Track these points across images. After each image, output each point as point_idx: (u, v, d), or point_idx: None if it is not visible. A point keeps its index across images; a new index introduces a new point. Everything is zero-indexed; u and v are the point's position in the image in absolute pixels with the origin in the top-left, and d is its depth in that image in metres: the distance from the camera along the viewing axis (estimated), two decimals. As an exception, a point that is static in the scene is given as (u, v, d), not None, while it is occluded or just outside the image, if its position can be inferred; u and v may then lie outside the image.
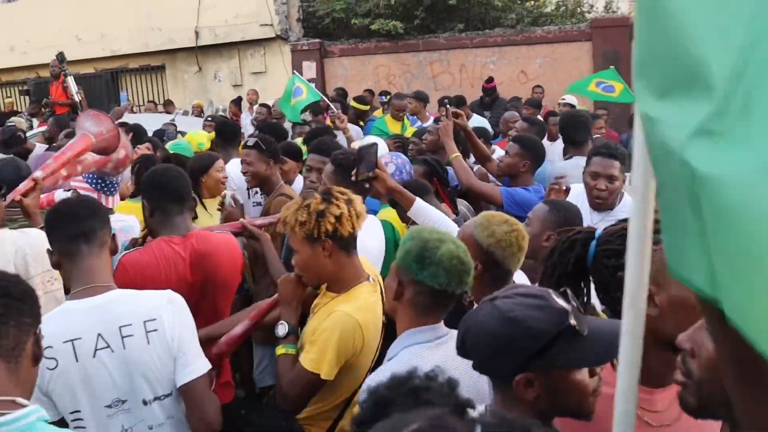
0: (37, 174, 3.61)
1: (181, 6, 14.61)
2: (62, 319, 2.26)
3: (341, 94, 11.23)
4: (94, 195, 3.81)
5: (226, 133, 6.04)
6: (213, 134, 6.32)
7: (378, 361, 2.64)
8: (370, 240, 3.38)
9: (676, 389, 1.50)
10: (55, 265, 2.43)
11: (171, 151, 5.46)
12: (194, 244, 3.08)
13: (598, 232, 1.98)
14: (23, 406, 1.56)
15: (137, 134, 6.64)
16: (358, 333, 2.59)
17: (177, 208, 3.10)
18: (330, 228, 2.59)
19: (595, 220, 3.79)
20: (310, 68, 13.42)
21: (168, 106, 13.44)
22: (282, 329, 2.74)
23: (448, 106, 5.01)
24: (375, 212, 4.01)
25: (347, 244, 2.68)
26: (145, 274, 2.86)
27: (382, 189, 3.58)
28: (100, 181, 3.99)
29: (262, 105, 10.75)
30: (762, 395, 0.91)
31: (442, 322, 2.33)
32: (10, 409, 1.53)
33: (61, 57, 10.93)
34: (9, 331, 1.62)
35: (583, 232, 2.04)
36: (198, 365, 2.41)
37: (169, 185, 3.12)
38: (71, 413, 2.25)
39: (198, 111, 12.64)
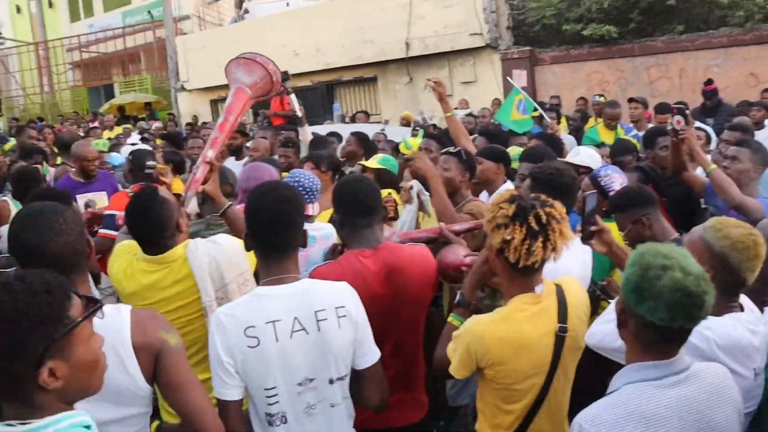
0: (210, 154, 3.73)
1: (392, 19, 15.27)
2: (261, 303, 2.50)
3: (557, 104, 11.20)
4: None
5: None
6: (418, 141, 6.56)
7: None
8: (569, 264, 3.02)
9: None
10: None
11: (380, 166, 5.64)
12: (385, 258, 3.03)
13: None
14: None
15: (364, 141, 7.08)
16: (482, 345, 2.55)
17: (365, 220, 3.07)
18: (497, 245, 2.56)
19: None
20: (520, 77, 13.49)
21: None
22: (458, 296, 2.89)
23: (686, 112, 4.52)
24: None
25: (514, 266, 2.55)
26: None
27: (601, 249, 3.29)
28: (300, 188, 3.98)
29: (470, 115, 11.00)
30: None
31: (682, 355, 2.10)
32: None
33: (285, 76, 11.75)
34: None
35: None
36: (375, 350, 2.65)
37: (357, 197, 3.09)
38: (267, 389, 2.49)
39: (405, 121, 13.10)
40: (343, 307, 2.54)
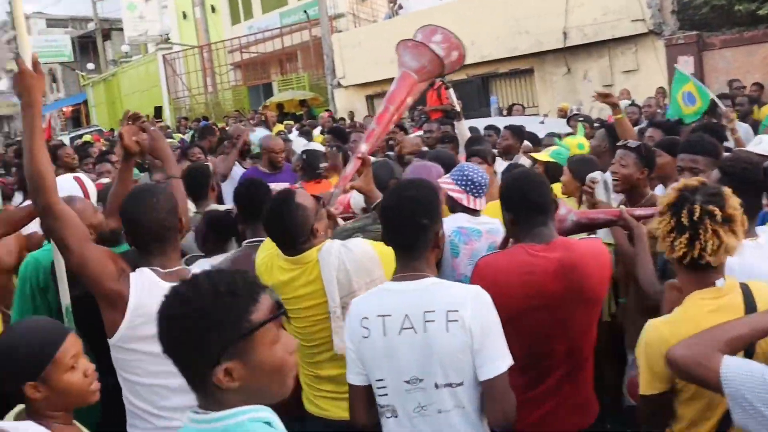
0: (362, 149, 3.69)
1: (549, 8, 15.00)
2: (379, 297, 2.59)
3: (739, 87, 10.64)
4: (463, 196, 3.84)
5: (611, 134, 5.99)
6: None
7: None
8: (760, 262, 2.80)
9: None
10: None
11: (551, 159, 5.54)
12: (558, 253, 2.91)
13: None
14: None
15: (519, 134, 7.02)
16: (663, 348, 2.33)
17: (539, 219, 2.97)
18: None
19: None
20: (686, 63, 12.89)
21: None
22: None
23: None
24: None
25: (686, 264, 2.38)
26: (497, 279, 2.82)
27: None
28: (469, 182, 3.94)
29: (633, 105, 10.62)
30: None
31: None
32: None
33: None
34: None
35: None
36: (499, 363, 2.47)
37: (530, 196, 2.98)
38: (377, 380, 2.57)
39: (563, 113, 12.83)
40: (455, 311, 2.45)
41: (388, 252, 2.99)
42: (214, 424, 1.64)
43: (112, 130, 23.17)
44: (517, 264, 2.87)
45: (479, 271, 2.94)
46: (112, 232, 3.57)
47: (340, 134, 9.02)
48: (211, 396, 1.66)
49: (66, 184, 4.31)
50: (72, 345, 2.29)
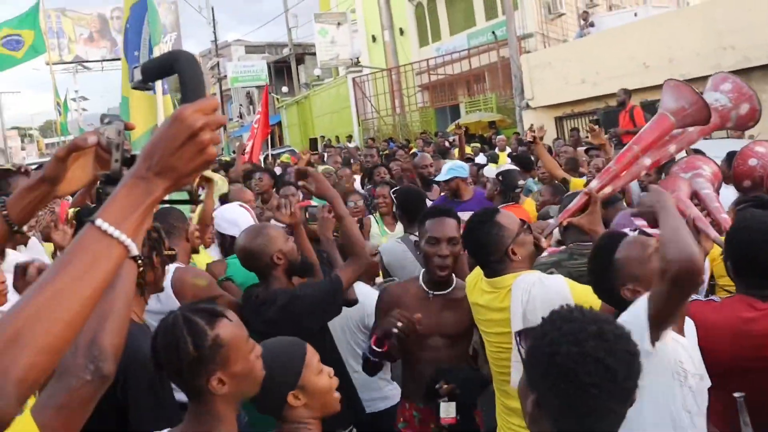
0: (592, 185, 3.53)
1: (758, 19, 14.10)
2: None
3: None
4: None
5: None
6: None
7: None
8: None
9: None
10: None
11: None
12: None
13: None
14: None
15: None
16: None
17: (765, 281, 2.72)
18: None
19: None
20: None
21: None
22: None
23: None
24: None
25: None
26: (707, 332, 2.58)
27: None
28: None
29: None
30: None
31: None
32: None
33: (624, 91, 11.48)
34: None
35: None
36: None
37: (761, 253, 2.70)
38: None
39: (774, 136, 11.98)
40: None
41: (583, 292, 2.95)
42: None
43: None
44: (734, 320, 2.64)
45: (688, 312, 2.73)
46: (302, 263, 3.71)
47: (523, 162, 8.68)
48: None
49: (238, 210, 4.86)
50: (313, 351, 2.45)
